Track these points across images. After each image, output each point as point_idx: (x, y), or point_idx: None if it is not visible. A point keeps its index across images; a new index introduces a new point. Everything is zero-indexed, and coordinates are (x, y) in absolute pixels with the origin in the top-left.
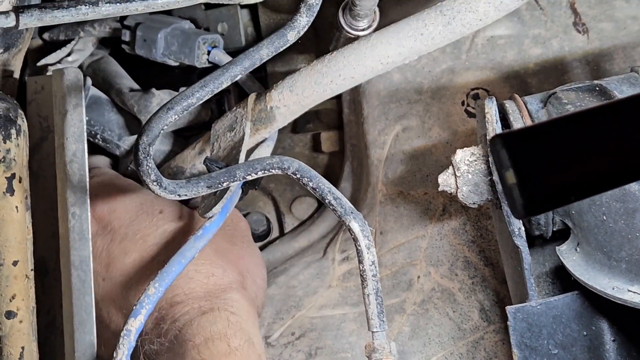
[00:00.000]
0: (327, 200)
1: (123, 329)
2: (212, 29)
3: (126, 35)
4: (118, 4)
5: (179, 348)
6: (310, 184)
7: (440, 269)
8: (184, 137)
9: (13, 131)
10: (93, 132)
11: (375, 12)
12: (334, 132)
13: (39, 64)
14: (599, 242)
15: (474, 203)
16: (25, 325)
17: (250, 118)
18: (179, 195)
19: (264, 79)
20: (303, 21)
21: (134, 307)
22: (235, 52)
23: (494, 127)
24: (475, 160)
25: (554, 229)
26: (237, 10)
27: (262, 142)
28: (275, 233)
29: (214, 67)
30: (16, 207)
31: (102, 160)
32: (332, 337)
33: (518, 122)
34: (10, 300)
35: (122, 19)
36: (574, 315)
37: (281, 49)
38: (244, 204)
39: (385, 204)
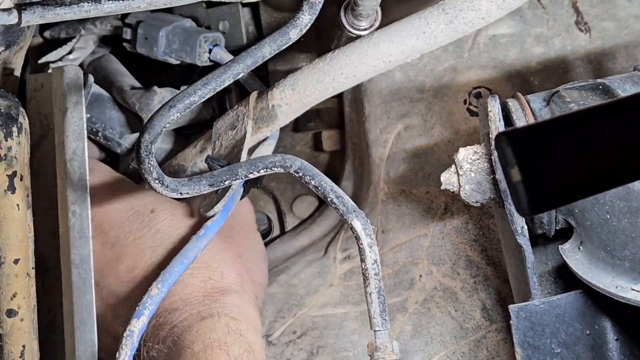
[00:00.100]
0: (329, 199)
1: (126, 329)
2: (214, 27)
3: (127, 34)
4: (120, 2)
5: (178, 355)
6: (313, 182)
7: (442, 268)
8: (185, 136)
9: (14, 129)
10: (94, 130)
11: (377, 12)
12: (335, 131)
13: (39, 61)
14: (602, 241)
15: (476, 202)
16: (26, 323)
17: (251, 116)
18: (181, 193)
19: (265, 77)
20: (305, 19)
21: (137, 308)
22: (236, 51)
23: (497, 125)
24: (478, 159)
25: (557, 228)
26: (239, 9)
27: (263, 140)
28: (276, 232)
29: (215, 65)
30: (17, 205)
31: (91, 150)
32: (333, 336)
33: (521, 121)
34: (11, 299)
35: (124, 17)
36: (577, 314)
37: (283, 47)
38: None
39: (387, 202)
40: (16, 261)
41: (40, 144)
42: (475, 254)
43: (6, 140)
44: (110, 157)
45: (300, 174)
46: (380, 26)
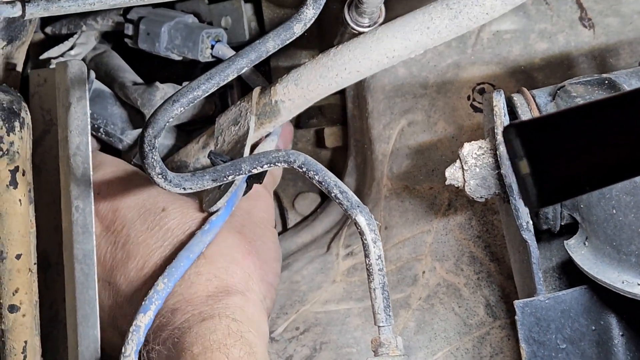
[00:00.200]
0: (333, 194)
1: (132, 324)
2: (216, 23)
3: (129, 29)
4: None
5: (178, 357)
6: (316, 177)
7: (446, 264)
8: (187, 132)
9: (17, 124)
10: (96, 126)
11: (381, 9)
12: (338, 127)
13: (41, 57)
14: (608, 236)
15: (481, 197)
16: (28, 319)
17: (254, 112)
18: (184, 188)
19: (267, 73)
20: (310, 13)
21: (144, 303)
22: (238, 47)
23: (502, 120)
24: (483, 154)
25: (562, 223)
26: (241, 5)
27: (266, 136)
28: (278, 229)
29: (217, 61)
30: (19, 200)
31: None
32: (336, 332)
33: (526, 116)
34: (14, 294)
35: (125, 12)
36: (582, 309)
37: (287, 42)
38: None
39: (390, 198)
40: (18, 256)
41: (43, 140)
42: (478, 250)
43: (8, 135)
44: (111, 153)
45: (304, 169)
46: (384, 23)
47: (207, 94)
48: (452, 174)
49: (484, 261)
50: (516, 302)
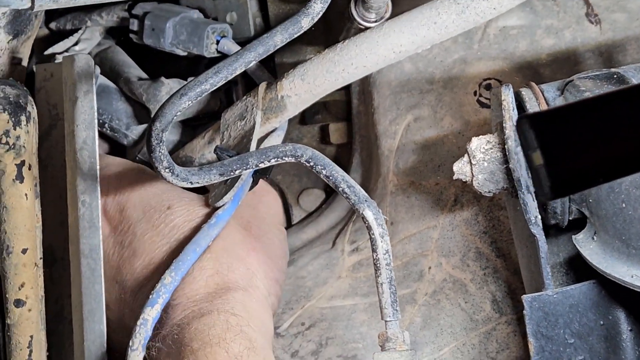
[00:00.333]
0: (340, 188)
1: (139, 318)
2: (221, 18)
3: (134, 25)
4: None
5: (177, 353)
6: (324, 171)
7: (452, 260)
8: (192, 127)
9: (23, 118)
10: (101, 121)
11: (387, 4)
12: (343, 123)
13: (46, 52)
14: (617, 230)
15: (489, 191)
16: (34, 314)
17: (261, 107)
18: (191, 182)
19: (273, 69)
20: (317, 7)
21: (151, 297)
22: (243, 43)
23: (511, 114)
24: (491, 148)
25: (570, 218)
26: (246, 0)
27: (272, 131)
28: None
29: (222, 57)
30: (25, 194)
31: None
32: (342, 328)
33: (535, 110)
34: (19, 289)
35: (130, 8)
36: (590, 304)
37: (295, 36)
38: None
39: (397, 194)
40: (24, 251)
41: (49, 134)
42: (485, 246)
43: (15, 129)
44: (117, 148)
45: (312, 164)
46: (391, 19)
47: (214, 88)
48: (460, 169)
49: (490, 257)
50: (524, 297)
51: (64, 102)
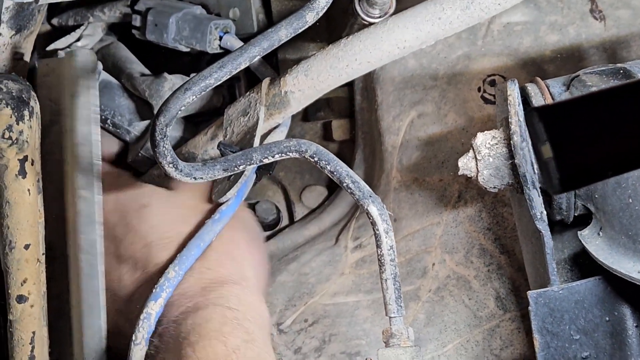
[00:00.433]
0: (345, 184)
1: (143, 312)
2: (224, 14)
3: (137, 21)
4: None
5: (175, 347)
6: (328, 167)
7: (456, 257)
8: (194, 124)
9: (26, 113)
10: (103, 117)
11: (391, 0)
12: (345, 120)
13: (48, 48)
14: (623, 226)
15: (494, 187)
16: (37, 310)
17: (264, 102)
18: (195, 178)
19: (275, 66)
20: (322, 2)
21: (154, 291)
22: (246, 39)
23: (517, 109)
24: (497, 144)
25: (575, 214)
26: None
27: (275, 127)
28: (285, 222)
29: (225, 53)
30: (28, 189)
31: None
32: (345, 324)
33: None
34: (22, 285)
35: (133, 4)
36: (596, 300)
37: (300, 30)
38: (253, 192)
39: (400, 190)
40: (27, 246)
41: (50, 130)
42: (488, 243)
43: (17, 124)
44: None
45: (316, 159)
46: (395, 14)
47: (219, 82)
48: (465, 164)
49: (494, 253)
50: (530, 293)
51: (64, 98)
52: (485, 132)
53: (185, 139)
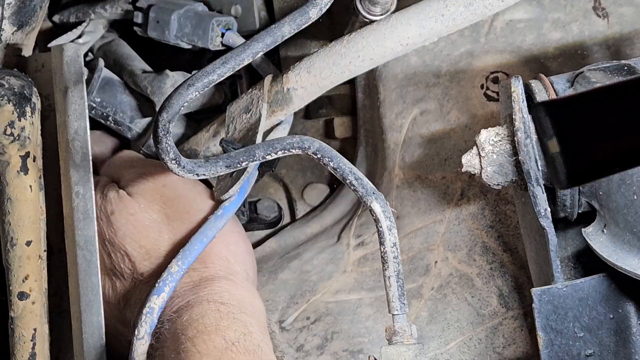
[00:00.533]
0: (348, 181)
1: (145, 306)
2: (225, 11)
3: (138, 17)
4: None
5: (173, 343)
6: (331, 163)
7: (458, 254)
8: (196, 121)
9: (28, 109)
10: (105, 114)
11: None
12: (347, 117)
13: (49, 45)
14: (628, 223)
15: (498, 184)
16: (38, 306)
17: (266, 99)
18: (197, 174)
19: (277, 63)
20: None
21: (157, 285)
22: (248, 36)
23: (521, 106)
24: (500, 140)
25: (579, 211)
26: None
27: (277, 124)
28: (286, 220)
29: (226, 50)
30: (30, 186)
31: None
32: (348, 322)
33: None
34: (23, 281)
35: (134, 0)
36: (600, 297)
37: (303, 27)
38: (255, 190)
39: (402, 188)
40: (28, 243)
41: (43, 126)
42: (491, 240)
43: (19, 120)
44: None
45: (319, 156)
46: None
47: (222, 79)
48: (469, 161)
49: (496, 251)
50: (533, 290)
51: (55, 93)
52: (489, 128)
53: (187, 136)
